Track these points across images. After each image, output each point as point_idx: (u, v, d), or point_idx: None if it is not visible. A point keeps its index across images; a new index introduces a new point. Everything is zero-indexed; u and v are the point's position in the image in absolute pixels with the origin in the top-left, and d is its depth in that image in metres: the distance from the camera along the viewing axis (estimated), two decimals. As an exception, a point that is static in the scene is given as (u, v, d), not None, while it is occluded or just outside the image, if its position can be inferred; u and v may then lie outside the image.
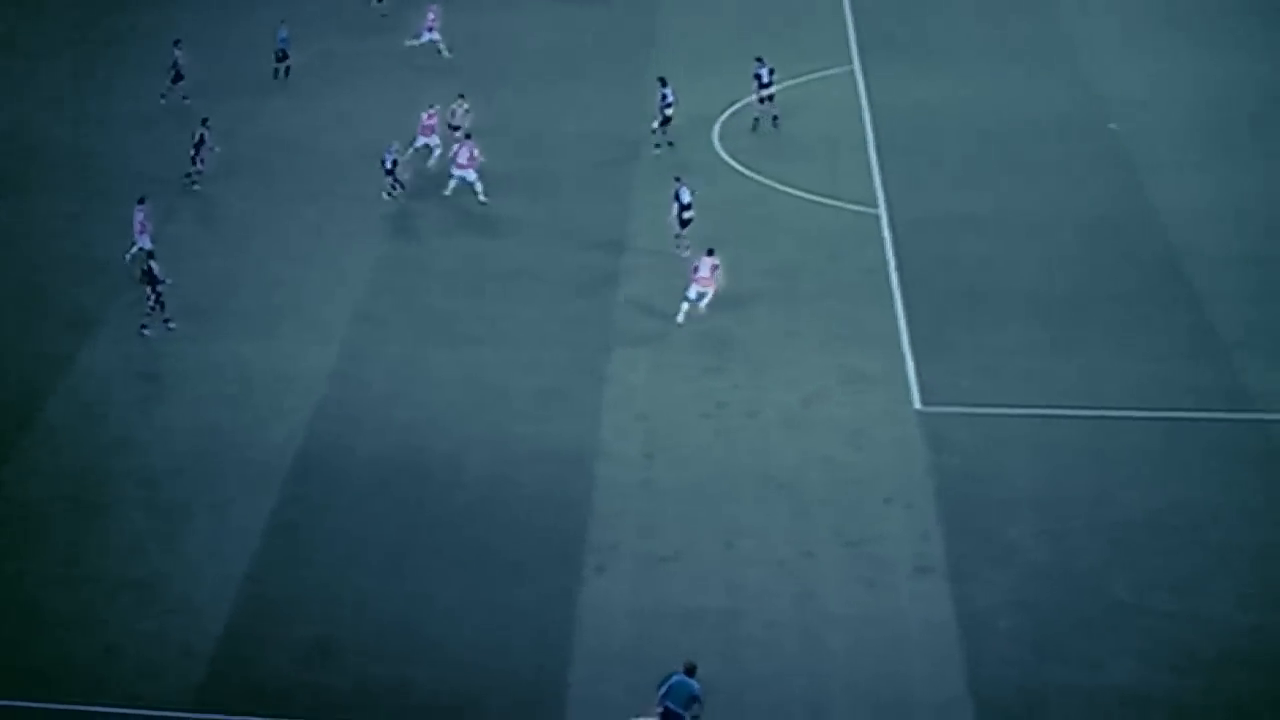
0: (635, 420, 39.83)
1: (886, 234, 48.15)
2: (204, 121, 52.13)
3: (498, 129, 53.98)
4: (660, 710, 29.63)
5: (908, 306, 44.29)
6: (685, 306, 43.76)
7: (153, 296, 43.53)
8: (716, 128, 55.35)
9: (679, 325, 43.54)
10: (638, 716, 29.89)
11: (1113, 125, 54.45)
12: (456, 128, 51.97)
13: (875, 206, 49.72)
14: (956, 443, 38.69)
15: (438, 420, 39.98)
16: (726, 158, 52.95)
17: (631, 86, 58.51)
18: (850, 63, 60.94)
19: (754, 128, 54.86)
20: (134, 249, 45.59)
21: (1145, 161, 52.12)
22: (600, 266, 46.87)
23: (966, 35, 62.92)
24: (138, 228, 45.85)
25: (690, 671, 29.64)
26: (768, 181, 51.12)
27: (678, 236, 46.75)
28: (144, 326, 43.66)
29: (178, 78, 57.42)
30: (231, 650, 32.72)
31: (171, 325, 43.82)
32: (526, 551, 35.29)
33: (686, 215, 46.69)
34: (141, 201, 46.38)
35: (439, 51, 61.11)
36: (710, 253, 44.20)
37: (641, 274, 46.40)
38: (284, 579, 34.84)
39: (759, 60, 54.56)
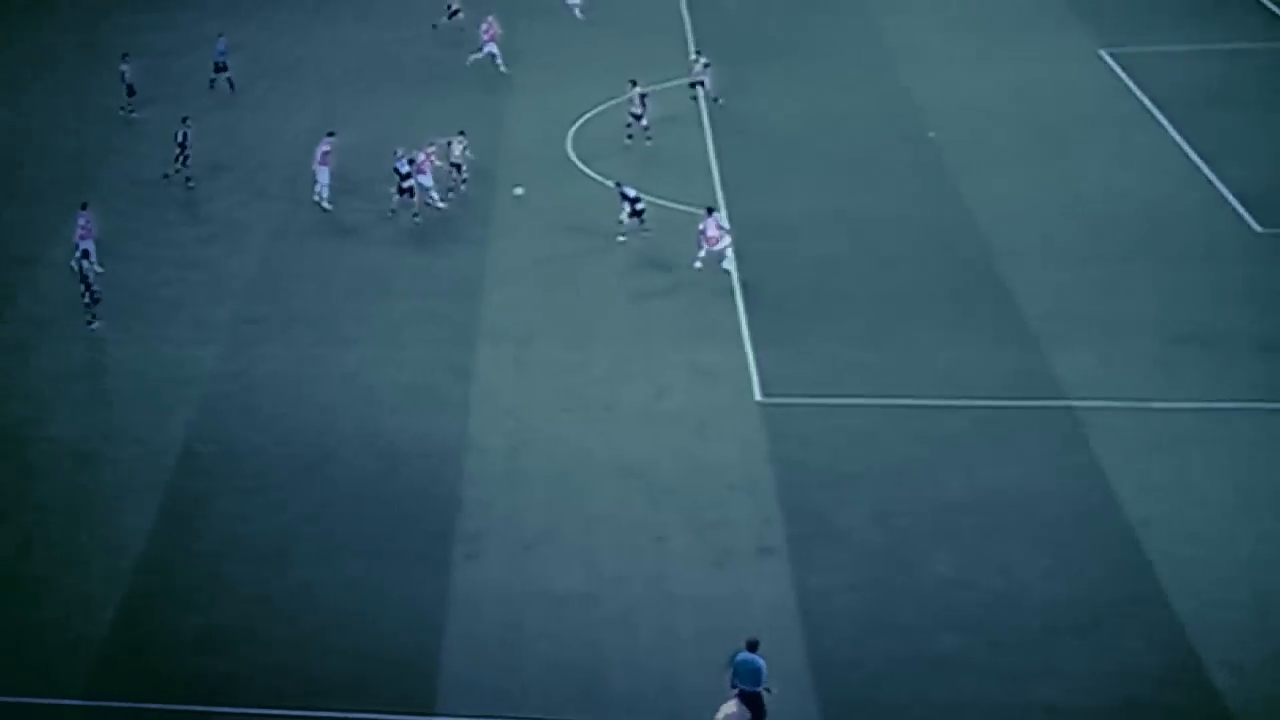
0: (501, 415, 39.78)
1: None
2: (184, 120, 51.59)
3: (366, 136, 53.92)
4: (736, 693, 29.54)
5: (748, 304, 44.42)
6: (698, 265, 45.35)
7: (87, 295, 43.34)
8: (570, 135, 55.32)
9: (697, 269, 45.39)
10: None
11: (931, 133, 54.86)
12: (457, 165, 50.64)
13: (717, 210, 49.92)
14: (794, 432, 38.86)
15: (316, 417, 39.76)
16: (579, 163, 52.94)
17: (494, 96, 58.64)
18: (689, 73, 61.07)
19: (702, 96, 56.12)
20: (76, 253, 44.89)
21: (960, 166, 52.53)
22: (466, 268, 46.86)
23: (799, 47, 63.13)
24: (80, 233, 45.19)
25: (753, 647, 29.65)
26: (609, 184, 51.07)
27: (641, 226, 47.53)
28: (91, 321, 43.56)
29: (131, 92, 56.73)
30: (122, 639, 32.49)
31: (94, 325, 43.45)
32: (401, 541, 35.22)
33: (639, 207, 47.37)
34: (84, 207, 45.84)
35: (497, 65, 60.30)
36: (710, 212, 45.62)
37: (506, 276, 46.47)
38: (172, 571, 34.58)
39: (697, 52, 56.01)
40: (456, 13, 63.95)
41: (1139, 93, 57.58)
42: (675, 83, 58.46)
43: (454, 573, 34.20)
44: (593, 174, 52.25)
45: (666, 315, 44.30)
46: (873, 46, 62.88)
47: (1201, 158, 52.58)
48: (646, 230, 47.58)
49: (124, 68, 57.01)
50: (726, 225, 46.32)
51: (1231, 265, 45.94)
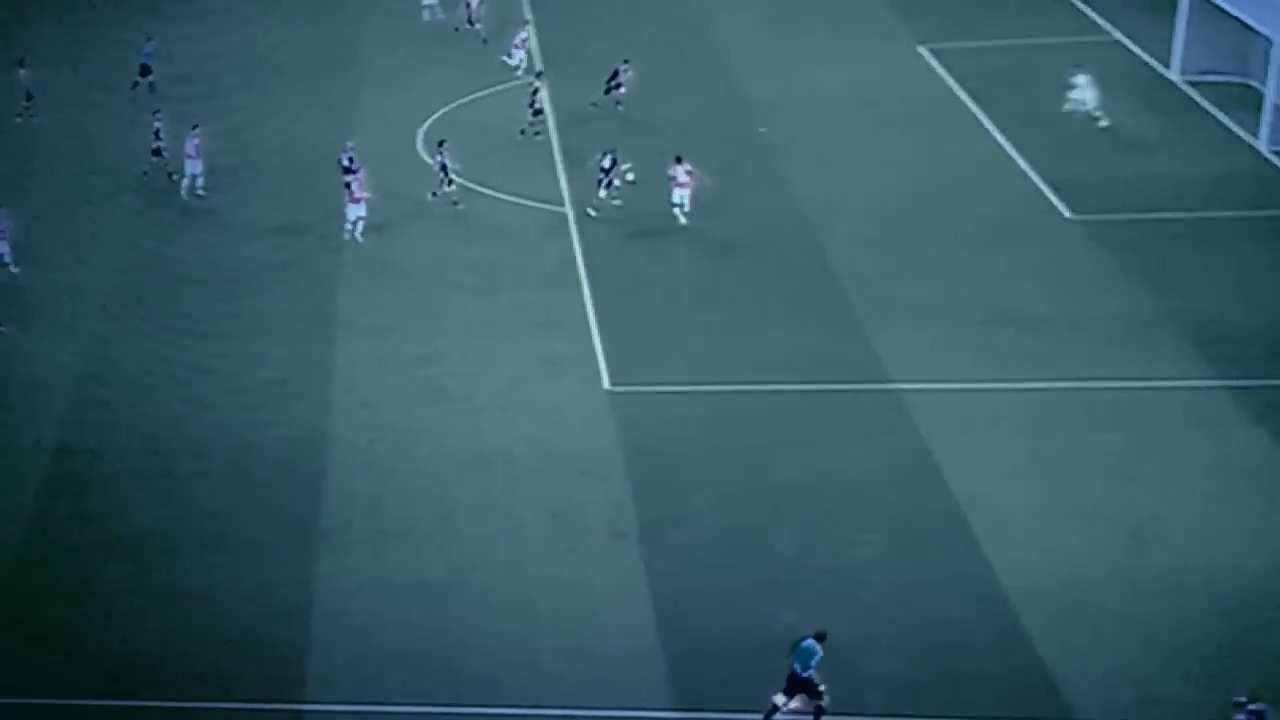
0: (360, 408, 39.18)
1: (574, 230, 47.87)
2: (155, 113, 50.50)
3: (225, 132, 52.86)
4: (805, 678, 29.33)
5: (595, 295, 44.05)
6: (676, 211, 47.03)
7: None
8: (420, 134, 54.56)
9: (683, 226, 46.98)
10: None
11: (763, 129, 54.67)
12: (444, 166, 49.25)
13: (562, 205, 49.43)
14: (642, 418, 38.60)
15: (181, 413, 38.92)
16: (429, 160, 52.27)
17: (340, 95, 57.89)
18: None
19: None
20: None
21: (791, 159, 52.43)
22: (321, 264, 46.05)
23: (634, 49, 62.64)
24: None
25: (820, 638, 29.39)
26: (468, 184, 50.34)
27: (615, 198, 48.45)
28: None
29: (29, 96, 55.17)
30: (-7, 636, 31.63)
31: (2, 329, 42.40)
32: (266, 534, 34.56)
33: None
34: None
35: (515, 68, 58.99)
36: (679, 160, 46.93)
37: (361, 270, 45.72)
38: (43, 569, 33.69)
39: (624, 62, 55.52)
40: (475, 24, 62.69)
41: (955, 86, 57.67)
42: (512, 84, 58.06)
43: (319, 564, 33.58)
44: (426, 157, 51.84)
45: (516, 307, 43.78)
46: (704, 47, 62.48)
47: (1014, 147, 52.76)
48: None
49: (22, 71, 55.46)
50: (692, 170, 47.19)
51: (1044, 250, 46.12)
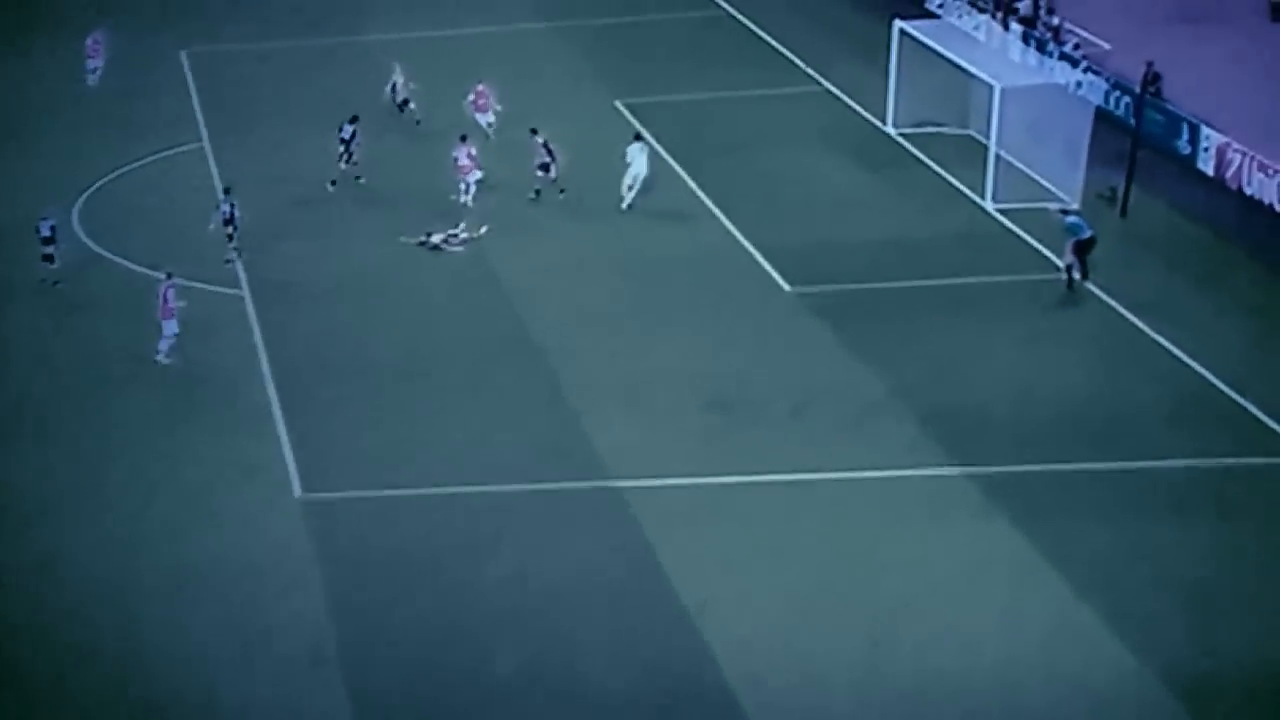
0: (27, 526, 38.91)
1: (252, 314, 48.08)
2: None
3: None
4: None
5: (281, 389, 44.33)
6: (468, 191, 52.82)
7: None
8: (75, 211, 54.31)
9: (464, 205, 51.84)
10: None
11: (453, 197, 55.10)
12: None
13: (238, 287, 49.57)
14: (338, 527, 38.84)
15: None
16: (87, 241, 51.87)
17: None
18: (200, 139, 60.78)
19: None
20: None
21: (488, 226, 53.32)
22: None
23: (310, 110, 63.13)
24: None
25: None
26: (134, 267, 50.32)
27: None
28: None
29: None
30: None
31: None
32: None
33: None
34: None
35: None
36: (464, 139, 52.90)
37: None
38: None
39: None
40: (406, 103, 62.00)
41: (656, 144, 59.22)
42: (185, 148, 58.02)
43: (-13, 707, 33.29)
44: (103, 251, 51.52)
45: (196, 404, 43.82)
46: (390, 109, 62.97)
47: (724, 211, 54.42)
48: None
49: None
50: (476, 155, 52.13)
51: (763, 326, 47.57)
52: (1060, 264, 49.42)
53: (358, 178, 56.45)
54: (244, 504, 39.76)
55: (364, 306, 48.82)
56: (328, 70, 68.07)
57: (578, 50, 70.15)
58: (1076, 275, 49.01)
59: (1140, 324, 47.05)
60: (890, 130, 60.68)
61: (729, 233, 53.13)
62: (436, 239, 51.97)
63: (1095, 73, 60.69)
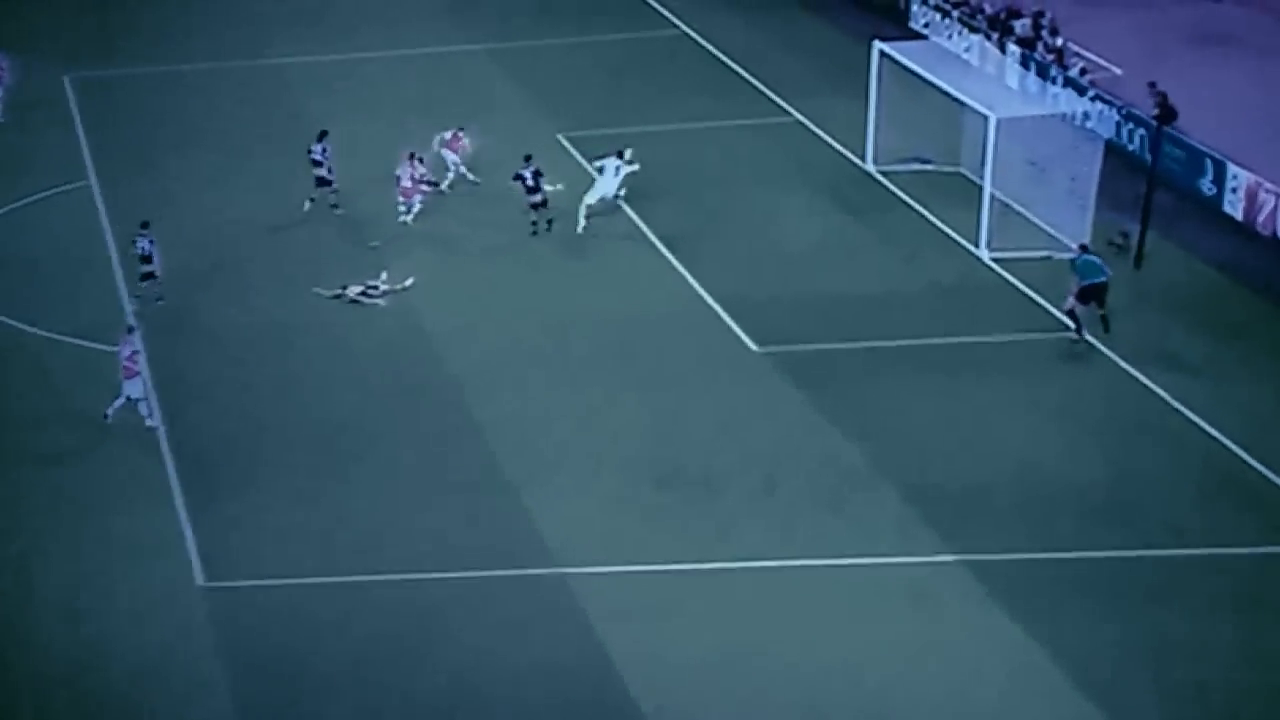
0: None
1: (148, 375, 48.09)
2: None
3: None
4: None
5: (180, 460, 44.90)
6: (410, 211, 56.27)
7: None
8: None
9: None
10: None
11: (375, 243, 56.37)
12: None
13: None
14: (245, 620, 39.29)
15: None
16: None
17: None
18: (86, 177, 61.59)
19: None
20: None
21: (417, 278, 54.14)
22: None
23: (201, 134, 63.86)
24: None
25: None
26: (9, 322, 51.15)
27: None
28: None
29: None
30: None
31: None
32: None
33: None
34: None
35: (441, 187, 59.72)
36: (412, 157, 56.08)
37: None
38: None
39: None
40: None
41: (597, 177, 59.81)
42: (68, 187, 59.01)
43: None
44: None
45: (83, 479, 44.33)
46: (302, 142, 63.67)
47: (681, 261, 55.27)
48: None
49: None
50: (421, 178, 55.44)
51: (728, 389, 48.26)
52: (1064, 316, 50.50)
53: (334, 205, 57.87)
54: (139, 592, 40.17)
55: (274, 368, 49.55)
56: (232, 96, 69.12)
57: (515, 76, 71.20)
58: (1093, 331, 49.90)
59: (1158, 389, 47.85)
60: (870, 168, 61.60)
61: (688, 285, 53.96)
62: (354, 291, 52.70)
63: (1105, 101, 61.51)
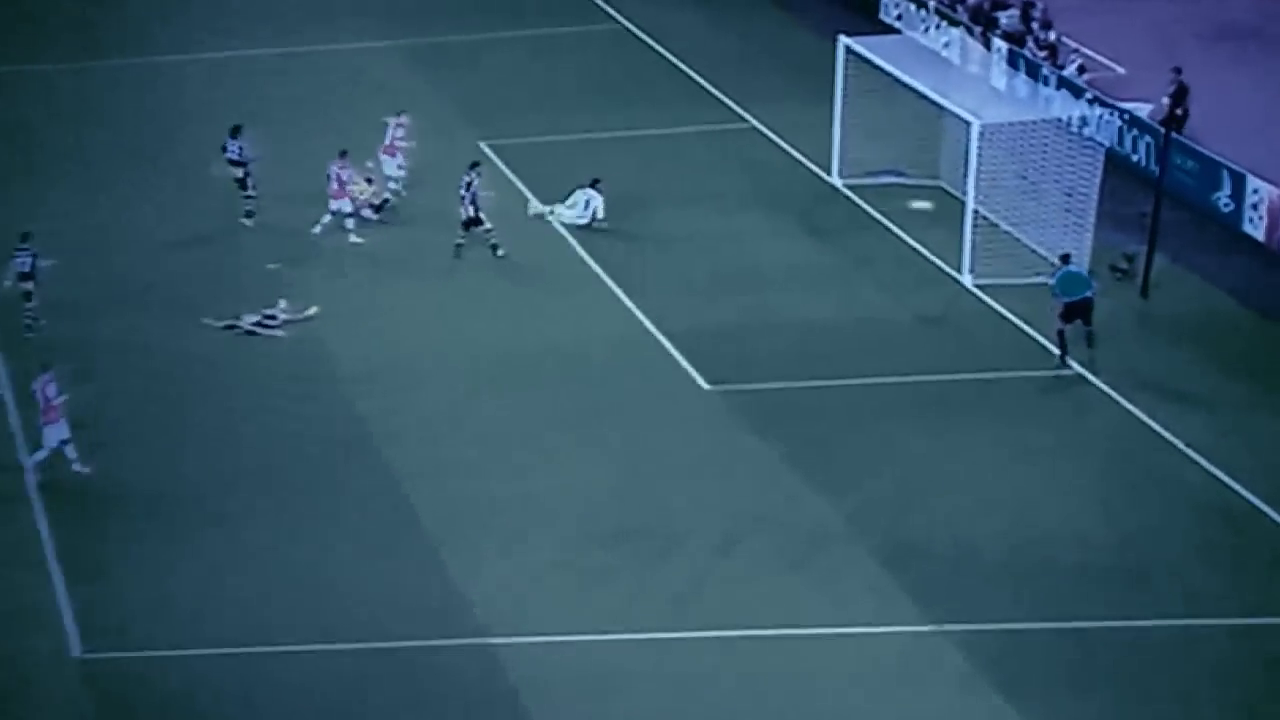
0: None
1: (16, 421, 48.10)
2: None
3: None
4: None
5: (54, 516, 44.39)
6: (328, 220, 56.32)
7: None
8: None
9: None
10: None
11: (272, 265, 56.02)
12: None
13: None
14: (129, 699, 38.75)
15: None
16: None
17: None
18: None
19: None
20: None
21: (323, 306, 53.83)
22: None
23: (79, 144, 63.45)
24: None
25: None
26: None
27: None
28: None
29: None
30: None
31: None
32: None
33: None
34: None
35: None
36: (343, 154, 56.71)
37: None
38: None
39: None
40: None
41: (533, 199, 60.04)
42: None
43: None
44: None
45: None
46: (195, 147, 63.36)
47: (622, 288, 55.10)
48: None
49: None
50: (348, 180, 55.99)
51: (678, 434, 48.01)
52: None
53: (248, 213, 57.92)
54: (9, 665, 39.62)
55: (161, 412, 48.92)
56: (114, 98, 68.83)
57: (430, 76, 70.98)
58: (1085, 351, 50.06)
59: (1167, 434, 47.65)
60: (837, 182, 61.59)
61: (631, 315, 53.77)
62: (248, 322, 52.25)
63: (1105, 105, 61.42)
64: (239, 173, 57.93)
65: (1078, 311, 49.72)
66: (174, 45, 74.00)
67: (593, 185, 58.45)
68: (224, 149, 57.87)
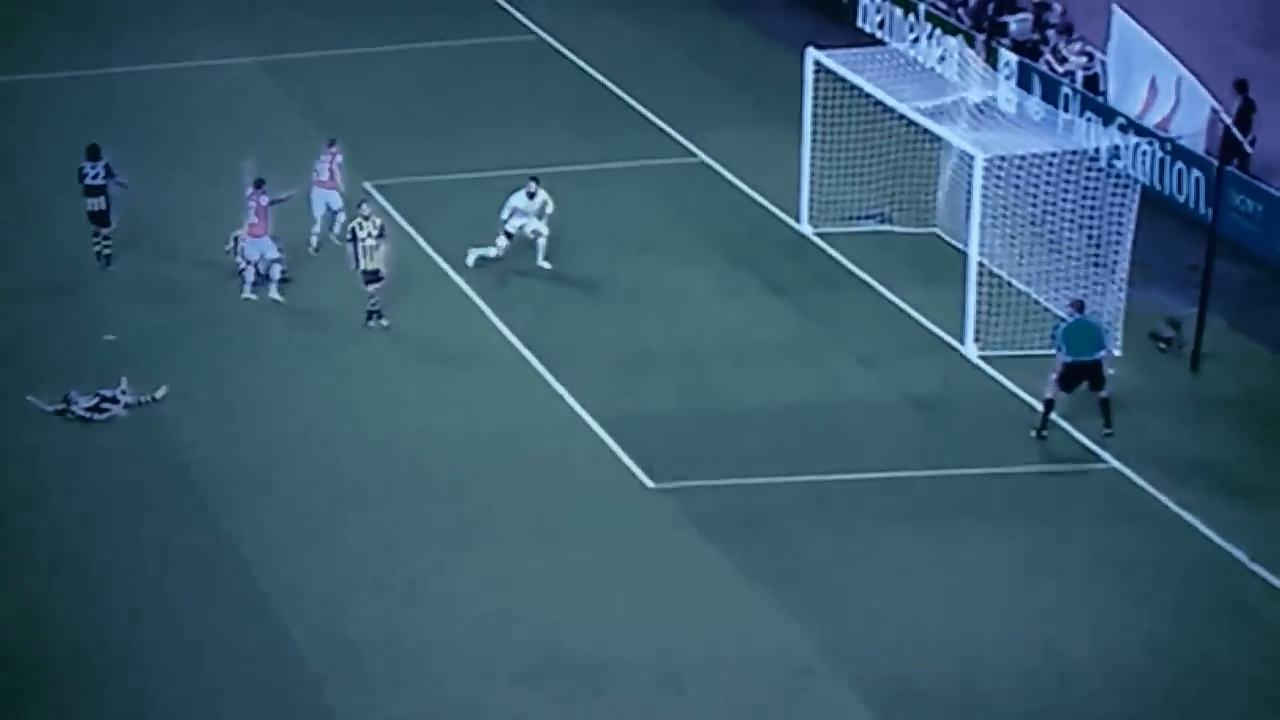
0: None
1: None
2: None
3: None
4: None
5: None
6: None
7: None
8: None
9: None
10: None
11: (110, 336, 56.91)
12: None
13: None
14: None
15: None
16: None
17: None
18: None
19: None
20: None
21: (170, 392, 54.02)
22: None
23: None
24: None
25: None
26: None
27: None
28: None
29: None
30: None
31: None
32: None
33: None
34: None
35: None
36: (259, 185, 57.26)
37: None
38: None
39: None
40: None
41: (434, 255, 60.86)
42: None
43: None
44: None
45: None
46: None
47: (545, 364, 55.70)
48: None
49: None
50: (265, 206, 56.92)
51: (616, 543, 48.46)
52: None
53: (105, 255, 58.92)
54: None
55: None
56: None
57: (300, 98, 71.78)
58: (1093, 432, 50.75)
59: (1224, 543, 47.80)
60: (805, 229, 62.30)
61: (558, 397, 54.33)
62: (82, 407, 52.67)
63: (1142, 132, 61.27)
64: (99, 204, 58.56)
65: (1081, 376, 50.19)
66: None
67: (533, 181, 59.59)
68: (81, 175, 58.42)
